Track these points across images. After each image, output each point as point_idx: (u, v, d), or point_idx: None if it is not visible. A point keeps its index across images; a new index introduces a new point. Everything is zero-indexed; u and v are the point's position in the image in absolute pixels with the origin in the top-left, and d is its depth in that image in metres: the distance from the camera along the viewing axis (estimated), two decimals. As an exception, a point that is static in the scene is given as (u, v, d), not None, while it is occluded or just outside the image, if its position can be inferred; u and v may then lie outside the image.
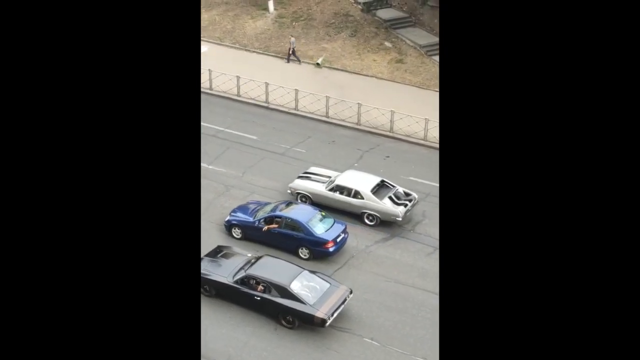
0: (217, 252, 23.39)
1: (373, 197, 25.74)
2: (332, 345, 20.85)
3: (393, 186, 26.55)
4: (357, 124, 32.70)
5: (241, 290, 21.75)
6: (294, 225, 24.16)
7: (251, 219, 24.85)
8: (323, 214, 24.93)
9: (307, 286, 21.38)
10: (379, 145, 31.49)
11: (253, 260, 22.55)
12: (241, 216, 25.12)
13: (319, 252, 24.05)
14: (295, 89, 33.86)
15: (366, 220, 25.95)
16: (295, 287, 21.18)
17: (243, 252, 23.51)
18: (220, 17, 42.79)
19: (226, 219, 25.44)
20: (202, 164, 29.36)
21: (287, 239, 24.28)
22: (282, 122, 33.18)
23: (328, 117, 33.21)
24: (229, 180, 28.52)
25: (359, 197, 25.89)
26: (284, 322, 21.37)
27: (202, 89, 35.39)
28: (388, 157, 30.55)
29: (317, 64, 38.02)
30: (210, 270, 22.42)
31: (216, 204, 26.96)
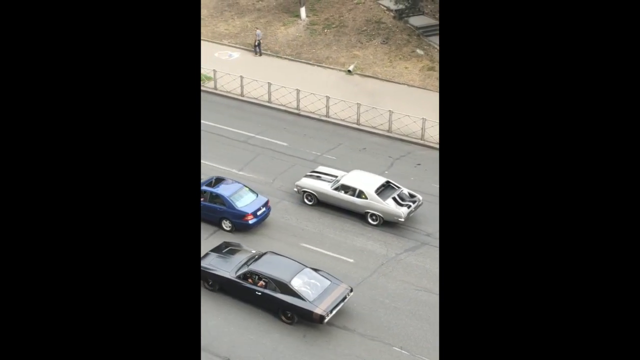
0: (223, 248, 23.80)
1: (377, 197, 25.91)
2: (362, 354, 20.67)
3: (398, 187, 26.74)
4: (388, 131, 32.52)
5: (243, 285, 22.08)
6: (217, 199, 25.76)
7: None
8: (247, 189, 26.38)
9: (307, 283, 21.62)
10: (410, 152, 31.28)
11: (256, 257, 22.89)
12: None
13: (240, 225, 25.60)
14: (327, 96, 33.78)
15: (369, 220, 26.17)
16: (296, 283, 21.44)
17: (248, 249, 23.95)
18: (253, 23, 42.92)
19: None
20: (232, 170, 29.39)
21: (211, 212, 25.86)
22: (313, 129, 33.12)
23: (359, 124, 33.08)
24: (259, 187, 28.47)
25: (363, 197, 26.13)
26: (283, 318, 21.60)
27: (233, 96, 35.46)
28: (419, 164, 30.32)
29: (349, 71, 37.93)
30: (214, 265, 22.78)
31: (246, 210, 27.01)
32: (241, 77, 35.56)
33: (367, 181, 26.59)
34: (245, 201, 25.81)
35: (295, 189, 27.74)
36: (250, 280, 22.02)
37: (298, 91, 34.29)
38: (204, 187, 26.16)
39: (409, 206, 25.95)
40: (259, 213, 25.77)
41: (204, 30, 42.33)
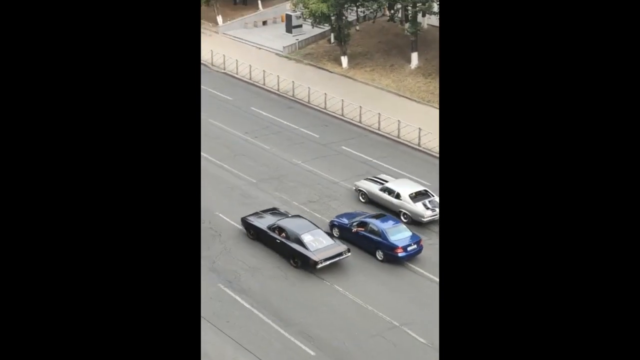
0: (269, 210, 31.13)
1: (409, 199, 31.79)
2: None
3: (432, 195, 32.17)
4: None
5: (269, 234, 29.18)
6: (375, 231, 29.34)
7: (346, 222, 30.41)
8: (404, 226, 30.01)
9: (315, 240, 28.22)
10: None
11: (288, 217, 29.97)
12: (341, 220, 30.80)
13: (390, 256, 28.94)
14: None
15: (402, 218, 31.72)
16: (306, 238, 28.13)
17: (287, 213, 30.93)
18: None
19: (330, 220, 31.21)
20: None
21: (369, 242, 29.53)
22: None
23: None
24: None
25: (399, 198, 31.95)
26: (292, 262, 28.39)
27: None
28: None
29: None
30: (256, 220, 30.10)
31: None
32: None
33: (406, 186, 32.64)
34: (399, 236, 29.10)
35: (354, 188, 33.87)
36: (276, 231, 28.85)
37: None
38: (366, 219, 30.01)
39: (435, 211, 31.14)
40: (409, 248, 28.97)
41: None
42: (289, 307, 26.15)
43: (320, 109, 43.65)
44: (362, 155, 37.75)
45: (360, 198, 33.42)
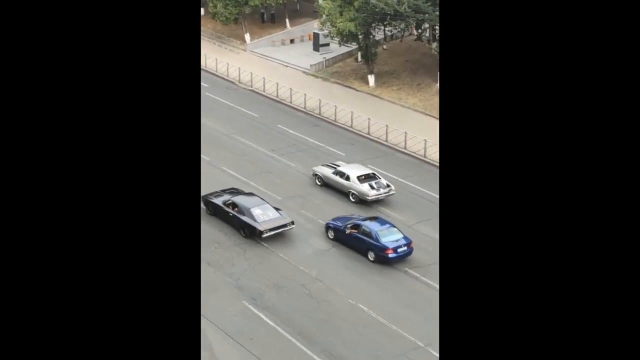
0: (228, 190, 33.90)
1: (356, 180, 34.68)
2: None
3: (379, 177, 35.18)
4: None
5: (223, 209, 31.98)
6: (367, 232, 30.16)
7: (340, 225, 31.32)
8: (395, 229, 30.61)
9: (264, 213, 31.28)
10: None
11: (243, 194, 32.83)
12: (336, 223, 31.71)
13: (381, 257, 29.74)
14: None
15: (350, 198, 34.83)
16: (255, 211, 31.13)
17: (242, 191, 33.61)
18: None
19: (325, 223, 32.08)
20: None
21: (361, 243, 30.38)
22: None
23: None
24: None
25: (348, 180, 34.83)
26: (241, 232, 31.35)
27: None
28: None
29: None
30: (215, 197, 32.81)
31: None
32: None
33: (355, 170, 35.49)
34: (390, 238, 29.84)
35: (312, 172, 36.46)
36: (230, 206, 31.62)
37: None
38: (359, 222, 30.81)
39: (379, 191, 34.28)
40: (399, 250, 29.69)
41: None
42: (312, 325, 26.13)
43: (347, 128, 43.73)
44: (389, 174, 37.67)
45: (317, 181, 36.23)
